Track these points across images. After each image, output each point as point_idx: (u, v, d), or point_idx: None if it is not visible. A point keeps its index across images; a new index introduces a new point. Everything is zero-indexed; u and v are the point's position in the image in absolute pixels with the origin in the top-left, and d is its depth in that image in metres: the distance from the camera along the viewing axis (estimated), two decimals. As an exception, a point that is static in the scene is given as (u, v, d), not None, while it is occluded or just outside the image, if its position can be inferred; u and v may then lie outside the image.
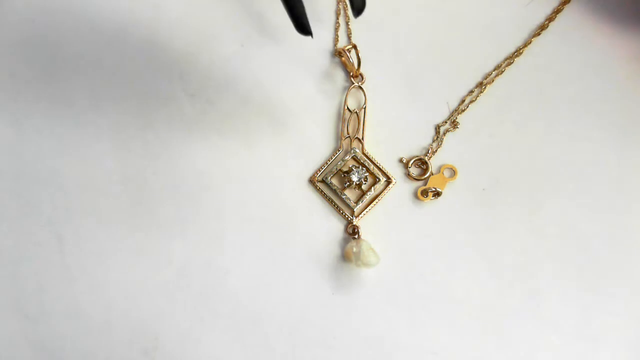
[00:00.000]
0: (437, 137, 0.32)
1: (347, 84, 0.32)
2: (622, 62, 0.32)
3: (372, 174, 0.31)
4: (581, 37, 0.33)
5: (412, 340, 0.28)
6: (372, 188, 0.30)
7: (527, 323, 0.29)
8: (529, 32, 0.33)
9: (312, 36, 0.25)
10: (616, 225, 0.30)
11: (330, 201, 0.30)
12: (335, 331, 0.29)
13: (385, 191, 0.30)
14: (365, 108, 0.31)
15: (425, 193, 0.30)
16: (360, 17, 0.26)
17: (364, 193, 0.30)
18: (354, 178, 0.30)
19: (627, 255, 0.30)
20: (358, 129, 0.31)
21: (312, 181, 0.30)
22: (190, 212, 0.30)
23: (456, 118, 0.32)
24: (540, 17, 0.33)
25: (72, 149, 0.31)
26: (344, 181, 0.30)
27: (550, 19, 0.33)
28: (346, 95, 0.32)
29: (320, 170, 0.31)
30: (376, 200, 0.30)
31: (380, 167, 0.31)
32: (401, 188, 0.31)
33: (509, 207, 0.30)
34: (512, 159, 0.31)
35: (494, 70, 0.33)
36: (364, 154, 0.31)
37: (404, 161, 0.31)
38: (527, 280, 0.29)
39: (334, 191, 0.30)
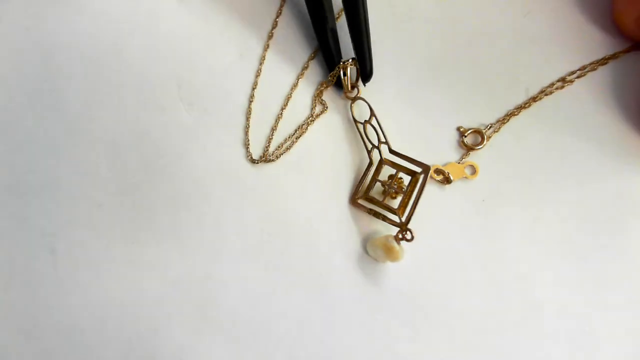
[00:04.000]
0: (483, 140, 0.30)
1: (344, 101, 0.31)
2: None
3: (407, 170, 0.29)
4: None
5: (412, 352, 0.27)
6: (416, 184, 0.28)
7: (526, 334, 0.27)
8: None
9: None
10: (616, 236, 0.29)
11: (376, 214, 0.28)
12: (336, 345, 0.27)
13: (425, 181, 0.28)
14: (374, 115, 0.29)
15: (438, 172, 0.29)
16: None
17: (408, 193, 0.28)
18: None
19: (628, 265, 0.28)
20: (378, 135, 0.29)
21: (353, 201, 0.29)
22: (187, 223, 0.28)
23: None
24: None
25: (65, 158, 0.29)
26: (385, 190, 0.29)
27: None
28: (352, 109, 0.30)
29: (359, 189, 0.29)
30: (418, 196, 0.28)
31: (414, 159, 0.28)
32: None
33: (509, 218, 0.29)
34: (514, 169, 0.30)
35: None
36: (393, 152, 0.29)
37: (461, 130, 0.30)
38: (527, 291, 0.28)
39: (376, 203, 0.28)
